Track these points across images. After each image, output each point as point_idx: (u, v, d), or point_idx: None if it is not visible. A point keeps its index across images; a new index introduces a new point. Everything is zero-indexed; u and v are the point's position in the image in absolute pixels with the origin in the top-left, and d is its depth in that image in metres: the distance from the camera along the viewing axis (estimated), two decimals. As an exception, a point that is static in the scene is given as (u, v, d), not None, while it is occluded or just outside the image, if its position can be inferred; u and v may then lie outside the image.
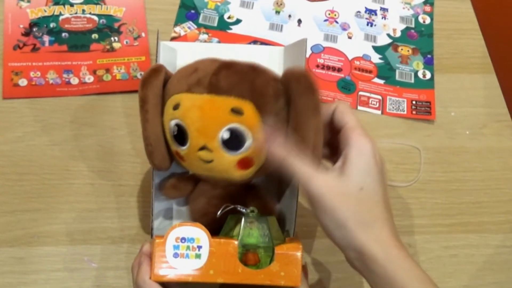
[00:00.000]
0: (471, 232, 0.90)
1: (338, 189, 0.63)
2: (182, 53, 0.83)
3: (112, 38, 0.99)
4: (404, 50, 1.06)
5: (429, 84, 1.03)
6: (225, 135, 0.66)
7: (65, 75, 0.94)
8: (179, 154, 0.70)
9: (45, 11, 1.00)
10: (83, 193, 0.85)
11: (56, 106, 0.91)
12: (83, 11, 1.02)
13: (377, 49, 1.06)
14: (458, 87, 1.04)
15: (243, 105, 0.66)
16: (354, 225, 0.63)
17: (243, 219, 0.69)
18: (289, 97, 0.68)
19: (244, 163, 0.68)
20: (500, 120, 1.02)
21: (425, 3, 1.13)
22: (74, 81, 0.94)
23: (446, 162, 0.96)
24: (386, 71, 1.03)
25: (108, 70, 0.95)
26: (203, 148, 0.67)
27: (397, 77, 1.03)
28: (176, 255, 0.66)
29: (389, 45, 1.07)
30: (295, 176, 0.66)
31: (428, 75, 1.04)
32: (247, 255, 0.68)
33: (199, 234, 0.67)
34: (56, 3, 1.02)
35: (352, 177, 0.64)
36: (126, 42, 0.99)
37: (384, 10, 1.11)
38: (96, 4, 1.03)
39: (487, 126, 1.01)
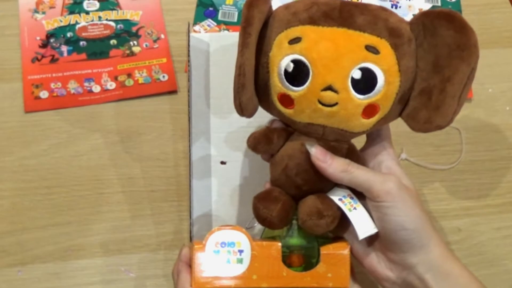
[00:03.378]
0: (523, 210, 0.86)
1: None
2: (214, 44, 0.80)
3: (131, 43, 0.96)
4: (433, 29, 1.02)
5: (463, 61, 0.98)
6: (357, 74, 0.57)
7: (86, 84, 0.91)
8: (288, 98, 0.60)
9: (61, 21, 0.98)
10: (115, 202, 0.82)
11: (79, 115, 0.89)
12: (100, 18, 0.99)
13: (405, 30, 1.01)
14: (493, 63, 0.99)
15: (379, 43, 0.58)
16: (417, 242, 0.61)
17: (293, 222, 0.65)
18: (426, 41, 0.60)
19: (370, 110, 0.59)
20: (542, 93, 0.97)
21: (450, -20, 1.09)
22: (96, 89, 0.91)
23: (488, 141, 0.92)
24: (416, 53, 0.99)
25: (129, 75, 0.93)
26: (327, 88, 0.58)
27: (429, 58, 0.99)
28: (216, 261, 0.62)
29: (416, 26, 1.02)
30: (358, 185, 0.61)
31: (461, 53, 0.99)
32: (291, 257, 0.65)
33: (239, 237, 0.63)
34: (72, 12, 0.99)
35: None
36: (146, 45, 0.96)
37: (408, -9, 1.07)
38: (112, 10, 1.00)
39: (529, 100, 0.96)
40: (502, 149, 0.91)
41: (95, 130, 0.88)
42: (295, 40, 0.59)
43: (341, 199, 0.62)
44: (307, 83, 0.58)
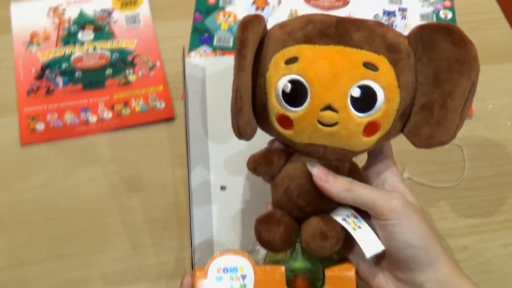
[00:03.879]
0: (529, 226, 0.84)
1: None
2: (209, 68, 0.79)
3: (127, 71, 0.96)
4: (430, 47, 1.02)
5: (461, 78, 0.98)
6: (356, 92, 0.56)
7: (82, 114, 0.91)
8: (287, 119, 0.59)
9: (56, 52, 0.97)
10: (115, 232, 0.81)
11: (77, 146, 0.88)
12: (94, 48, 0.98)
13: (402, 49, 1.01)
14: (492, 78, 0.98)
15: (377, 60, 0.57)
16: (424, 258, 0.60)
17: (297, 245, 0.64)
18: (425, 55, 0.59)
19: (371, 128, 0.58)
20: (542, 106, 0.96)
21: (444, -2, 1.09)
22: (93, 119, 0.90)
23: (491, 156, 0.90)
24: (414, 71, 0.98)
25: (126, 104, 0.92)
26: (327, 108, 0.57)
27: (427, 76, 0.98)
28: (219, 287, 0.60)
29: (413, 44, 1.02)
30: (362, 203, 0.60)
31: (459, 70, 0.98)
32: (295, 281, 0.63)
33: (242, 262, 0.61)
34: (67, 43, 0.99)
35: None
36: (142, 74, 0.96)
37: (402, 10, 1.07)
38: (107, 39, 1.00)
39: (529, 113, 0.95)
40: (505, 164, 0.90)
41: (93, 160, 0.87)
42: (291, 60, 0.58)
43: (344, 218, 0.61)
44: (305, 104, 0.57)
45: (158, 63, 0.97)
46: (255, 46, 0.60)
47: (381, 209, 0.58)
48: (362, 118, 0.57)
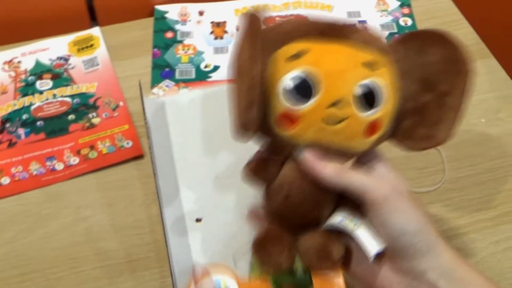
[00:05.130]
0: (518, 219, 0.82)
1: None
2: (170, 103, 0.78)
3: (90, 115, 0.93)
4: (394, 55, 1.01)
5: (429, 82, 0.97)
6: (360, 90, 0.55)
7: (48, 163, 0.88)
8: (290, 117, 0.56)
9: (15, 104, 0.95)
10: (94, 279, 0.77)
11: (45, 196, 0.85)
12: (54, 95, 0.96)
13: (366, 61, 1.00)
14: (460, 78, 0.98)
15: (377, 61, 0.56)
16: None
17: None
18: (410, 62, 0.59)
19: (373, 127, 0.57)
20: (513, 101, 0.96)
21: (401, 6, 1.09)
22: (59, 166, 0.87)
23: (470, 155, 0.89)
24: (381, 81, 0.97)
25: (92, 147, 0.89)
26: (333, 104, 0.55)
27: (394, 83, 0.97)
28: None
29: (377, 54, 1.01)
30: (353, 189, 0.57)
31: (426, 74, 0.98)
32: None
33: (224, 279, 0.59)
34: (25, 95, 0.96)
35: None
36: (105, 115, 0.93)
37: (362, 22, 1.06)
38: (66, 85, 0.97)
39: (502, 109, 0.94)
40: (485, 161, 0.88)
41: (63, 208, 0.83)
42: (295, 56, 0.56)
43: (341, 220, 0.59)
44: (312, 100, 0.55)
45: (121, 103, 0.95)
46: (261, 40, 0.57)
47: (372, 196, 0.56)
48: (365, 117, 0.56)
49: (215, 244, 0.77)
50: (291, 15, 1.07)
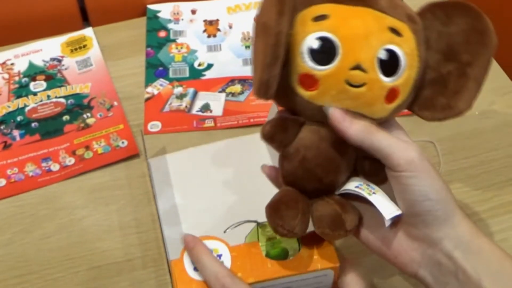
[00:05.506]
0: (514, 211, 0.83)
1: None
2: (173, 162, 0.85)
3: (85, 115, 0.93)
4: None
5: (423, 76, 0.97)
6: (383, 55, 0.55)
7: (44, 164, 0.87)
8: (311, 79, 0.55)
9: (9, 106, 0.95)
10: (92, 278, 0.77)
11: (41, 197, 0.85)
12: (48, 96, 0.96)
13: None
14: (453, 72, 0.98)
15: (402, 27, 0.56)
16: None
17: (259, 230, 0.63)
18: (436, 32, 0.59)
19: (392, 94, 0.56)
20: (507, 92, 0.96)
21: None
22: (55, 167, 0.87)
23: (464, 148, 0.89)
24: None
25: (88, 147, 0.89)
26: (356, 67, 0.54)
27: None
28: (196, 269, 0.61)
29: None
30: (379, 149, 0.56)
31: (419, 68, 0.98)
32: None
33: (215, 244, 0.62)
34: (19, 96, 0.96)
35: None
36: (100, 115, 0.93)
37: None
38: (60, 86, 0.97)
39: (495, 101, 0.95)
40: (479, 154, 0.89)
41: (60, 209, 0.83)
42: (321, 18, 0.55)
43: (358, 186, 0.59)
44: (335, 62, 0.54)
45: (115, 103, 0.95)
46: None
47: (397, 158, 0.55)
48: (387, 82, 0.56)
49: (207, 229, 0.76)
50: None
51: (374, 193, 0.58)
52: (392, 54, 0.55)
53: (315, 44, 0.55)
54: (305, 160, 0.59)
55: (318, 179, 0.60)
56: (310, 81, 0.56)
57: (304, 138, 0.59)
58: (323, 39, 0.55)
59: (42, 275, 0.77)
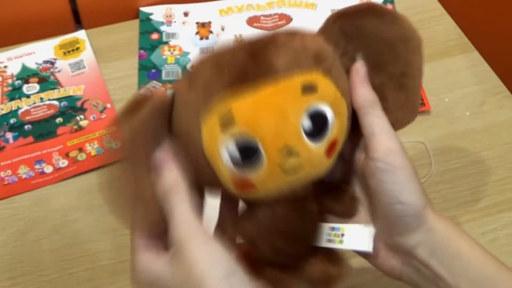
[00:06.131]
0: (504, 211, 0.83)
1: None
2: None
3: (78, 117, 0.94)
4: (378, 51, 1.02)
5: (414, 77, 0.98)
6: (307, 125, 0.49)
7: (37, 166, 0.88)
8: (247, 183, 0.50)
9: (2, 109, 0.95)
10: (85, 280, 0.77)
11: (35, 199, 0.85)
12: (41, 99, 0.96)
13: (351, 57, 1.01)
14: (444, 73, 0.99)
15: (313, 77, 0.50)
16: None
17: None
18: (351, 46, 0.54)
19: (331, 148, 0.51)
20: (497, 93, 0.97)
21: (384, 2, 1.09)
22: (48, 169, 0.87)
23: (455, 149, 0.90)
24: (366, 77, 0.98)
25: (81, 149, 0.89)
26: (286, 153, 0.49)
27: (380, 79, 0.98)
28: None
29: (361, 51, 1.02)
30: (370, 127, 0.53)
31: (410, 69, 0.98)
32: None
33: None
34: (12, 99, 0.96)
35: None
36: (93, 117, 0.93)
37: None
38: (53, 89, 0.98)
39: (486, 102, 0.95)
40: (470, 154, 0.89)
41: (54, 210, 0.84)
42: (228, 122, 0.49)
43: (328, 240, 0.57)
44: (263, 160, 0.49)
45: (108, 105, 0.95)
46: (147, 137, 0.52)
47: (381, 143, 0.53)
48: (321, 144, 0.51)
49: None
50: (275, 14, 1.08)
51: (342, 235, 0.56)
52: (315, 116, 0.50)
53: (235, 152, 0.49)
54: (275, 248, 0.55)
55: (292, 255, 0.56)
56: (245, 184, 0.51)
57: (264, 225, 0.55)
58: (241, 144, 0.49)
59: (36, 277, 0.78)
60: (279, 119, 0.48)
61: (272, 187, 0.51)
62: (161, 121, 0.52)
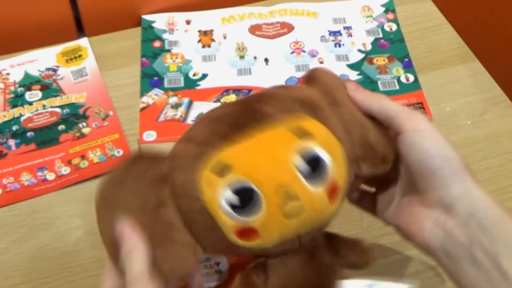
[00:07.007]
0: (506, 220, 0.83)
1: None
2: None
3: (80, 125, 0.94)
4: (380, 60, 1.02)
5: (415, 86, 0.98)
6: (302, 165, 0.51)
7: (39, 173, 0.88)
8: (249, 230, 0.51)
9: (5, 116, 0.95)
10: (88, 287, 0.77)
11: (37, 206, 0.85)
12: (44, 106, 0.96)
13: (352, 66, 1.01)
14: (445, 82, 0.99)
15: (303, 122, 0.53)
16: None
17: None
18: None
19: (332, 190, 0.52)
20: (498, 102, 0.97)
21: (386, 11, 1.10)
22: (51, 176, 0.88)
23: (457, 157, 0.90)
24: (367, 85, 0.98)
25: (83, 157, 0.89)
26: (286, 197, 0.50)
27: (381, 88, 0.98)
28: None
29: (362, 59, 1.02)
30: (386, 111, 0.57)
31: (412, 78, 0.99)
32: None
33: None
34: (15, 106, 0.96)
35: None
36: (96, 125, 0.94)
37: (347, 28, 1.07)
38: (56, 96, 0.98)
39: (487, 111, 0.96)
40: (472, 163, 0.89)
41: (56, 218, 0.84)
42: (224, 170, 0.50)
43: None
44: (263, 206, 0.50)
45: (111, 112, 0.95)
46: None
47: (403, 117, 0.56)
48: (320, 186, 0.52)
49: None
50: (277, 22, 1.08)
51: None
52: (309, 158, 0.51)
53: (235, 199, 0.50)
54: None
55: None
56: (248, 232, 0.52)
57: (280, 279, 0.56)
58: (239, 191, 0.50)
59: (38, 284, 0.78)
60: (272, 161, 0.51)
61: (274, 232, 0.52)
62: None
